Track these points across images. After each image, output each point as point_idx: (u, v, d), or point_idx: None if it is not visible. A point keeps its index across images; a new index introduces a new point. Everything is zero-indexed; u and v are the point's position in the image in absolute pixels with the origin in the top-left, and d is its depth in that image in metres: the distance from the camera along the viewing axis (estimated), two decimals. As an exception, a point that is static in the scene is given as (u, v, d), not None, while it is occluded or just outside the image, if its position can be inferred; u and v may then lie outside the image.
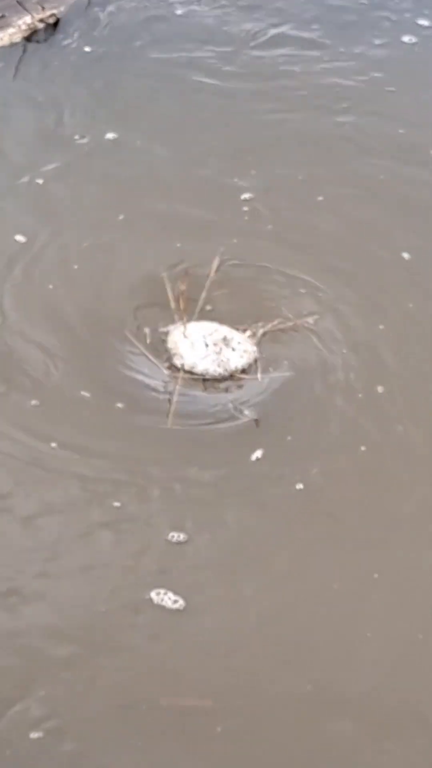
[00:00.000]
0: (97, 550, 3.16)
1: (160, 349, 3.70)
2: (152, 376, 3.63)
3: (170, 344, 3.72)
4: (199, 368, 3.65)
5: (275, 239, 4.10)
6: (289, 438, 3.49)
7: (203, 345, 3.66)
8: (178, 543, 3.19)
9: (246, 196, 4.27)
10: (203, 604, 3.05)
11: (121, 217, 4.16)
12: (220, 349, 3.66)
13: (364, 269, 4.01)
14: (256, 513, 3.29)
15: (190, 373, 3.64)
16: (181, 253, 3.99)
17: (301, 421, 3.54)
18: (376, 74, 4.86)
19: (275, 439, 3.48)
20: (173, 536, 3.21)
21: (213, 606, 3.05)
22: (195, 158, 4.41)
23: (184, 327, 3.71)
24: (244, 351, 3.71)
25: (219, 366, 3.65)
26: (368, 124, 4.61)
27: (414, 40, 5.07)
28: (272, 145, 4.48)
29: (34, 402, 3.55)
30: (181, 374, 3.61)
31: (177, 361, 3.65)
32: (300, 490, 3.34)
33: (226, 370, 3.65)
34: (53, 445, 3.41)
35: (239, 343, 3.72)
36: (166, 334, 3.75)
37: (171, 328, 3.76)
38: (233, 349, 3.69)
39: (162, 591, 3.06)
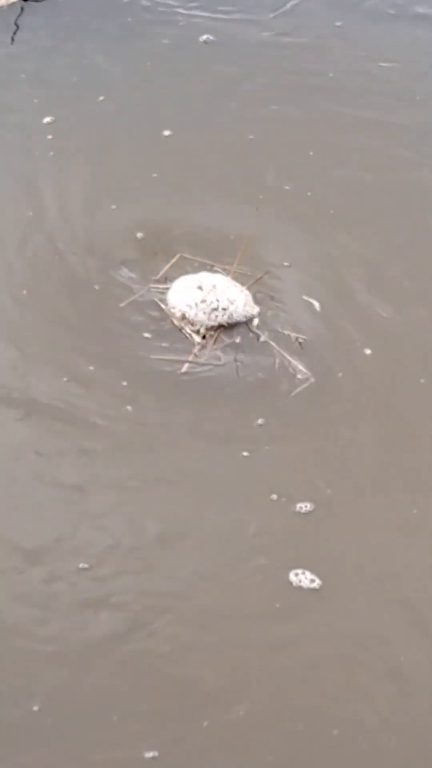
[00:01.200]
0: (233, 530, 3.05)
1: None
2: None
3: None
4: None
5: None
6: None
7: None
8: (307, 513, 3.05)
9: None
10: (338, 579, 2.94)
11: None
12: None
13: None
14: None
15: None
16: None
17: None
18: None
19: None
20: (300, 507, 3.07)
21: (345, 578, 2.95)
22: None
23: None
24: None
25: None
26: None
27: None
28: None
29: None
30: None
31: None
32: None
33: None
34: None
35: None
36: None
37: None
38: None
39: (299, 571, 2.95)
